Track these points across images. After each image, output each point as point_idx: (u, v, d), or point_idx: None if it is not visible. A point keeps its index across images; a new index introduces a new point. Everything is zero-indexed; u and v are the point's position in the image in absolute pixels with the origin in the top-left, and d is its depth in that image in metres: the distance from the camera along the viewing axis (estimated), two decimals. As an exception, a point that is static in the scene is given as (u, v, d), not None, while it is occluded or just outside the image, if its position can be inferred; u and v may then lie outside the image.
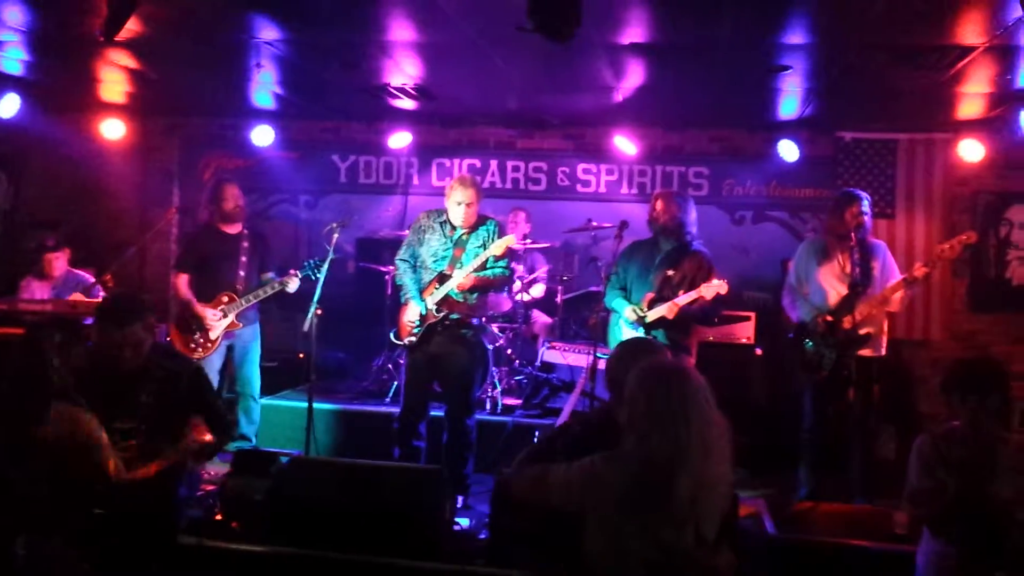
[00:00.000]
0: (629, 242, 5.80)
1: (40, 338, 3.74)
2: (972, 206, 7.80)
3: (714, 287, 5.33)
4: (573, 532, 2.92)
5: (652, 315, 5.43)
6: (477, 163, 8.59)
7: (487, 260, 5.47)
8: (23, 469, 3.39)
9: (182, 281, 6.30)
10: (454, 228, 5.60)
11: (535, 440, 3.45)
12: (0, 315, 6.24)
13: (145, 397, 3.80)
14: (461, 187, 5.54)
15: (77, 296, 6.70)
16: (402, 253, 5.77)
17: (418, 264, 5.69)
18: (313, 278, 5.97)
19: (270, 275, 6.32)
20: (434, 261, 5.60)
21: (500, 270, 5.59)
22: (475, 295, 5.59)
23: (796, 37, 5.25)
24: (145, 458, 3.70)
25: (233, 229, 6.38)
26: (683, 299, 5.38)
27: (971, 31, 4.95)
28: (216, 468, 4.98)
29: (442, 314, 5.50)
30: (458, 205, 5.51)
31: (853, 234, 5.55)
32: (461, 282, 5.44)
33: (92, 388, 3.66)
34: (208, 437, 3.89)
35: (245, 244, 6.34)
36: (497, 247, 5.45)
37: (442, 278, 5.53)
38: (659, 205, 5.64)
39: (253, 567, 4.13)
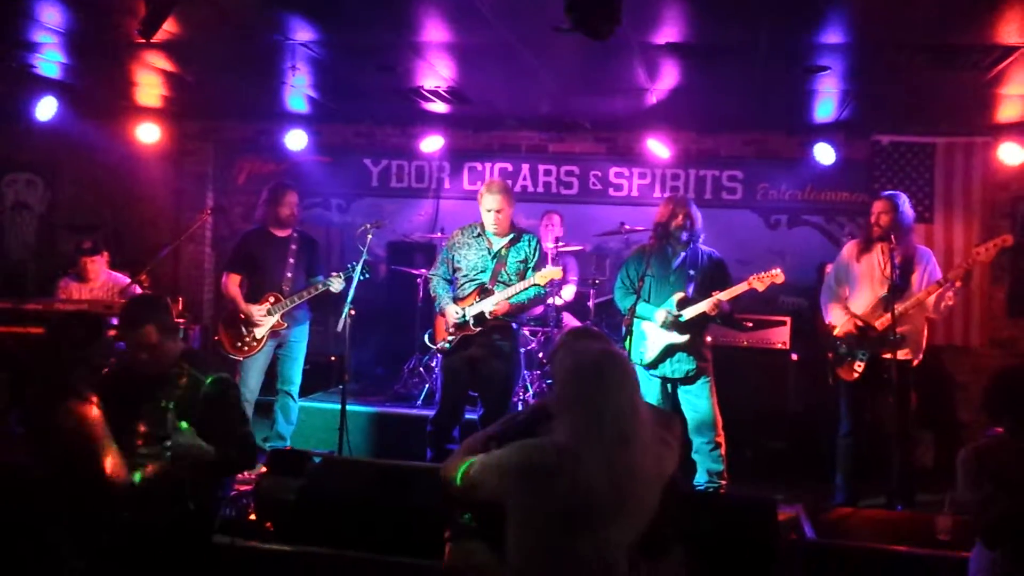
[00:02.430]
0: (634, 249, 5.82)
1: (59, 335, 3.76)
2: (1012, 211, 7.67)
3: (768, 278, 5.33)
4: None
5: (689, 313, 5.39)
6: (509, 167, 8.57)
7: (527, 286, 5.47)
8: (40, 461, 3.55)
9: (232, 281, 6.34)
10: (491, 240, 5.61)
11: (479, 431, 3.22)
12: (36, 315, 6.32)
13: (165, 403, 3.68)
14: (488, 193, 5.57)
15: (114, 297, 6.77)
16: (436, 269, 5.80)
17: (456, 277, 5.70)
18: (360, 278, 5.98)
19: (319, 278, 6.32)
20: (475, 273, 5.61)
21: (533, 292, 5.57)
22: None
23: (834, 37, 5.19)
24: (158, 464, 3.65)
25: (283, 232, 6.42)
26: (727, 294, 5.35)
27: (1013, 30, 4.86)
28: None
29: (479, 328, 5.51)
30: (488, 212, 5.55)
31: (893, 236, 5.48)
32: (494, 309, 5.44)
33: (116, 390, 3.70)
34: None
35: (294, 247, 6.38)
36: (542, 277, 5.45)
37: (483, 291, 5.53)
38: (679, 209, 5.57)
39: (285, 567, 4.11)
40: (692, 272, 5.52)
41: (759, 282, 5.34)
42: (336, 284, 6.14)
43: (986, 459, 3.45)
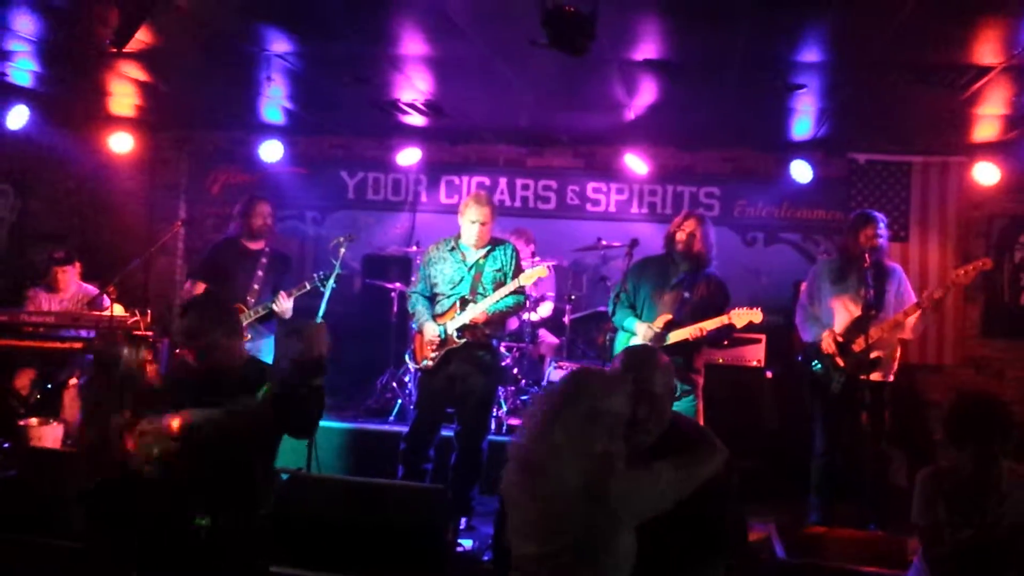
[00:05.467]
0: (638, 259, 5.72)
1: (107, 348, 3.69)
2: (987, 230, 7.72)
3: (746, 315, 5.26)
4: None
5: (673, 337, 5.33)
6: (486, 180, 8.54)
7: (512, 289, 5.40)
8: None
9: (197, 291, 6.22)
10: (465, 253, 5.53)
11: None
12: (2, 326, 6.21)
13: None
14: (476, 205, 5.46)
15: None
16: (415, 287, 5.72)
17: (435, 293, 5.59)
18: (321, 288, 5.90)
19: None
20: (451, 287, 5.51)
21: (513, 300, 5.49)
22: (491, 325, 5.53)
23: (811, 55, 5.20)
24: None
25: (256, 245, 6.33)
26: (710, 324, 5.27)
27: (988, 51, 4.89)
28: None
29: (463, 340, 5.42)
30: (472, 224, 5.43)
31: (867, 256, 5.47)
32: (475, 317, 5.37)
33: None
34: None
35: (264, 260, 6.27)
36: (528, 278, 5.38)
37: (463, 302, 5.43)
38: (693, 226, 5.48)
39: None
40: (687, 295, 5.43)
41: (739, 319, 5.28)
42: (280, 304, 5.98)
43: (943, 483, 3.43)
